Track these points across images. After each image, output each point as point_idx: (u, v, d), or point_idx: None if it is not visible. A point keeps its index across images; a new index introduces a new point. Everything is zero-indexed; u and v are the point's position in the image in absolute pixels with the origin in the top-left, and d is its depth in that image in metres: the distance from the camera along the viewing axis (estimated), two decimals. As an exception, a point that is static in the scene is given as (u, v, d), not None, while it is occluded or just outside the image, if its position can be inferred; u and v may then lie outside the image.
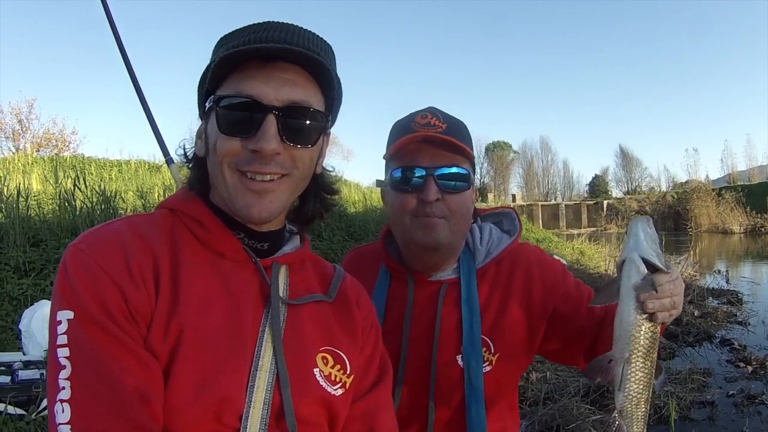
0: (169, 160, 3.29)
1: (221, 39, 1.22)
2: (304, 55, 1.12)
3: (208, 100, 1.17)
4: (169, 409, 1.03)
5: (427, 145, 1.59)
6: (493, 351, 1.66)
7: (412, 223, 1.61)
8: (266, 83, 1.12)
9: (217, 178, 1.17)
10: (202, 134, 1.24)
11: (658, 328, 1.34)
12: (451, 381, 1.64)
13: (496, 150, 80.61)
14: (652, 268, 1.29)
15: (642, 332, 1.29)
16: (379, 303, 1.71)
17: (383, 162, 1.74)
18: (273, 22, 1.18)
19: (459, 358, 1.64)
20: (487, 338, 1.66)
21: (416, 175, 1.59)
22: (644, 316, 1.28)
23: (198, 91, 1.24)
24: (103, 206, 7.59)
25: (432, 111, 1.66)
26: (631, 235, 1.34)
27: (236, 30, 1.20)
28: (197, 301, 1.10)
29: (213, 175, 1.19)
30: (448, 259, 1.72)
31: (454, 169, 1.60)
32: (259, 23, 1.18)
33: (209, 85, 1.17)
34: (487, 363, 1.65)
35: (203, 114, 1.23)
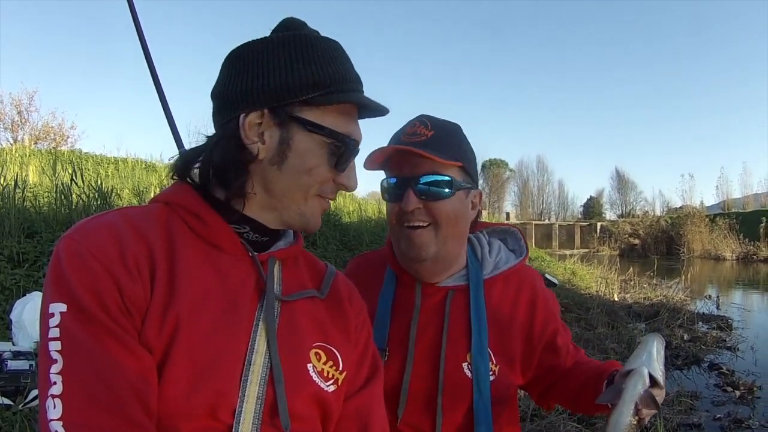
0: (183, 152, 3.29)
1: (307, 48, 1.19)
2: (382, 112, 1.29)
3: (309, 122, 1.17)
4: (163, 403, 1.03)
5: (409, 155, 1.59)
6: (495, 362, 1.68)
7: (399, 232, 1.64)
8: (356, 129, 1.26)
9: (294, 196, 1.21)
10: (260, 132, 1.17)
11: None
12: (459, 388, 1.63)
13: (492, 167, 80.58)
14: (652, 381, 1.46)
15: (631, 430, 1.46)
16: (385, 308, 1.72)
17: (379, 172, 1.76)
18: (347, 58, 1.26)
19: (465, 366, 1.64)
20: (490, 349, 1.67)
21: (395, 184, 1.63)
22: (636, 418, 1.45)
23: (279, 89, 1.17)
24: (99, 202, 7.58)
25: (421, 120, 1.67)
26: (645, 350, 1.50)
27: (335, 52, 1.23)
28: (193, 293, 1.10)
29: (287, 190, 1.20)
30: (445, 268, 1.71)
31: (434, 177, 1.59)
32: (345, 57, 1.26)
33: (303, 97, 1.16)
34: (492, 373, 1.66)
35: (277, 115, 1.17)
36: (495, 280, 1.75)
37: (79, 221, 1.12)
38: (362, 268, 1.87)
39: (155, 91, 3.10)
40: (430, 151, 1.57)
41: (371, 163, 1.63)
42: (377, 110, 1.25)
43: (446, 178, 1.61)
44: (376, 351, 1.44)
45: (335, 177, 1.21)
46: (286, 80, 1.15)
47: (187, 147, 1.33)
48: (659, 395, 1.46)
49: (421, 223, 1.60)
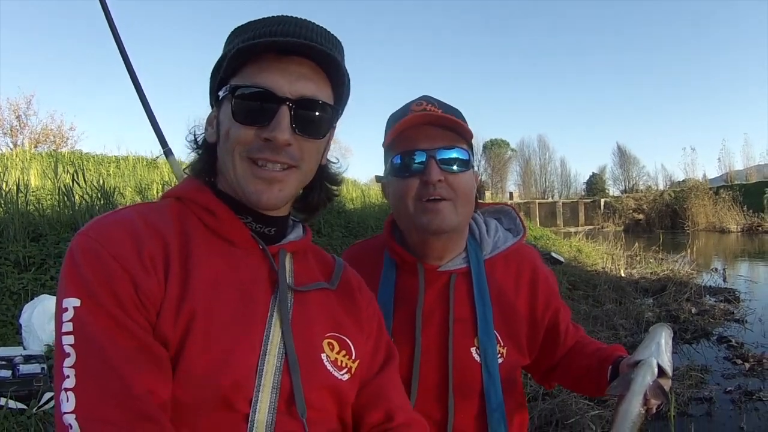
0: (167, 152, 3.29)
1: (236, 30, 1.25)
2: (319, 51, 1.16)
3: (222, 88, 1.20)
4: (179, 395, 1.04)
5: (426, 127, 1.59)
6: (502, 344, 1.69)
7: (416, 207, 1.60)
8: (282, 76, 1.16)
9: (227, 165, 1.20)
10: (213, 121, 1.27)
11: None
12: (468, 374, 1.64)
13: (494, 148, 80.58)
14: (660, 371, 1.50)
15: (640, 419, 1.50)
16: (387, 295, 1.71)
17: (381, 158, 1.75)
18: (288, 16, 1.22)
19: (473, 350, 1.65)
20: (496, 331, 1.67)
21: (417, 158, 1.58)
22: (645, 408, 1.49)
23: (211, 79, 1.27)
24: (102, 201, 7.58)
25: (427, 98, 1.66)
26: (653, 341, 1.55)
27: (252, 22, 1.24)
28: (207, 286, 1.11)
29: (223, 162, 1.22)
30: (455, 245, 1.72)
31: (454, 152, 1.59)
32: (274, 17, 1.22)
33: (224, 74, 1.20)
34: (500, 355, 1.67)
35: (215, 102, 1.26)
36: (495, 260, 1.75)
37: (95, 218, 1.14)
38: (359, 258, 1.83)
39: (135, 91, 3.10)
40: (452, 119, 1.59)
41: (393, 134, 1.60)
42: (294, 44, 1.16)
43: (463, 152, 1.61)
44: (389, 339, 1.45)
45: (261, 134, 1.16)
46: (213, 72, 1.27)
47: (184, 144, 1.36)
48: (666, 384, 1.50)
49: (441, 197, 1.57)
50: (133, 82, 3.24)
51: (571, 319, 1.89)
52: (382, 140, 1.69)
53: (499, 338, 1.68)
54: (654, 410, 1.50)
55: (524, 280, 1.78)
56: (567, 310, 1.87)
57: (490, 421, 1.64)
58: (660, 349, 1.53)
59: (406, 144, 1.60)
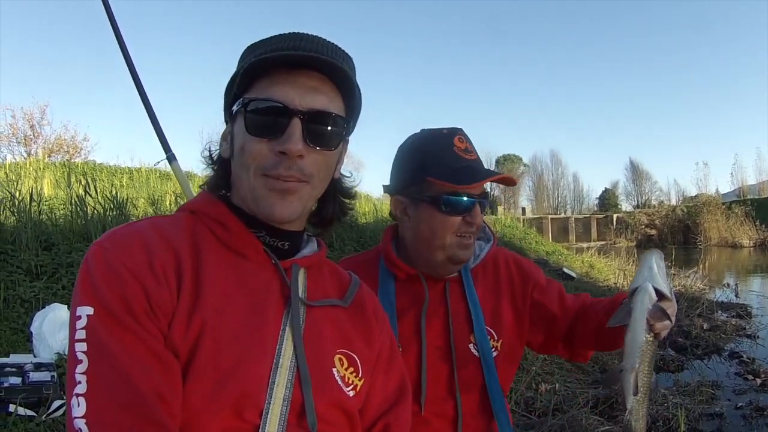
0: (170, 157, 3.31)
1: (249, 47, 1.28)
2: (329, 63, 1.19)
3: (236, 103, 1.22)
4: (189, 404, 1.05)
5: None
6: (497, 339, 1.88)
7: (452, 241, 1.79)
8: (292, 89, 1.18)
9: (241, 179, 1.22)
10: (227, 137, 1.29)
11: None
12: (469, 366, 1.84)
13: (507, 163, 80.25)
14: (659, 295, 1.52)
15: (650, 347, 1.52)
16: (388, 303, 1.82)
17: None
18: (300, 33, 1.25)
19: (471, 346, 1.83)
20: (489, 328, 1.89)
21: (467, 202, 1.78)
22: (652, 334, 1.51)
23: (225, 95, 1.29)
24: (115, 212, 7.62)
25: (464, 135, 1.85)
26: (644, 267, 1.56)
27: (265, 39, 1.27)
28: (219, 299, 1.13)
29: (237, 176, 1.24)
30: None
31: (486, 198, 1.84)
32: (286, 33, 1.25)
33: (237, 89, 1.22)
34: (494, 349, 1.85)
35: (229, 117, 1.28)
36: (477, 269, 1.98)
37: (110, 229, 1.17)
38: (353, 270, 1.88)
39: (138, 94, 3.12)
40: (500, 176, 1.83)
41: (468, 187, 1.76)
42: (303, 57, 1.18)
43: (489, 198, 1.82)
44: (403, 370, 1.47)
45: (274, 147, 1.17)
46: (227, 89, 1.28)
47: (198, 153, 1.38)
48: (669, 307, 1.54)
49: (473, 236, 1.82)
50: (136, 85, 3.27)
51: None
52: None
53: (493, 333, 1.89)
54: (662, 335, 1.55)
55: (503, 279, 1.99)
56: (555, 283, 2.06)
57: (494, 410, 1.82)
58: (653, 273, 1.55)
59: (461, 189, 1.77)
